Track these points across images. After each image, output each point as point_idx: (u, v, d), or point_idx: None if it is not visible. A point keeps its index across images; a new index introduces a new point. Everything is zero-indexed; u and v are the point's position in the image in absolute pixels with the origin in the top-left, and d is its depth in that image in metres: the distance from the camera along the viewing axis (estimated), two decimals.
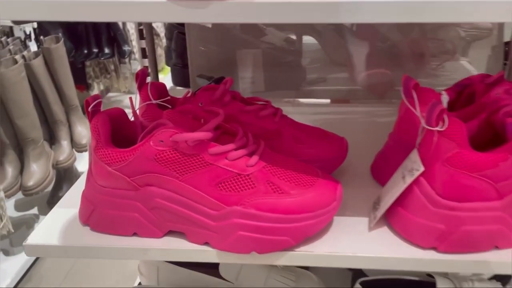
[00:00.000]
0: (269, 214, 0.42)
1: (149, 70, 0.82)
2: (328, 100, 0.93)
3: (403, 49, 0.82)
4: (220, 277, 0.68)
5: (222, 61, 0.84)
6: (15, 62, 1.55)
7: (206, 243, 0.46)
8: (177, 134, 0.42)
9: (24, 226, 1.64)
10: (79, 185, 0.54)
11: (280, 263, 0.45)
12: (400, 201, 0.45)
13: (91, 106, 0.45)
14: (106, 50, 2.19)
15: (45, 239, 0.47)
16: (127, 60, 2.26)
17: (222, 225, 0.43)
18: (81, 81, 2.38)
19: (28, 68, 1.64)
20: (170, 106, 0.54)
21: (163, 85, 0.57)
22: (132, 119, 0.49)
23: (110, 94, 2.80)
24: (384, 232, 0.47)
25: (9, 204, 1.69)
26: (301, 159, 0.52)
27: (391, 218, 0.47)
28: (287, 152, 0.52)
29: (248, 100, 0.56)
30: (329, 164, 0.53)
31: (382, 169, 0.54)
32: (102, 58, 2.24)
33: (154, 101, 0.53)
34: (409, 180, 0.44)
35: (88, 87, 2.40)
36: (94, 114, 0.46)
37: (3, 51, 1.56)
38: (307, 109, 0.81)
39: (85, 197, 0.48)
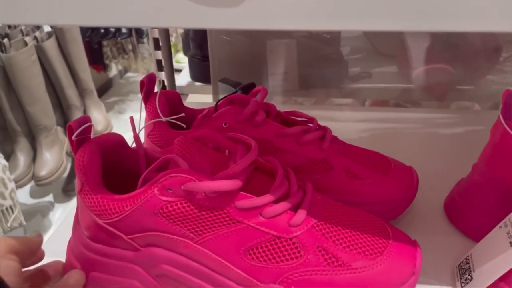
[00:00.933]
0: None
1: (163, 64, 0.69)
2: (371, 101, 0.79)
3: (473, 40, 0.66)
4: None
5: (249, 53, 0.70)
6: (26, 44, 1.45)
7: None
8: (191, 181, 0.30)
9: (39, 214, 1.60)
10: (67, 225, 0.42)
11: None
12: (505, 276, 0.32)
13: (75, 134, 0.32)
14: (124, 30, 2.09)
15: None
16: (145, 40, 2.16)
17: None
18: (98, 61, 2.31)
19: (40, 50, 1.55)
20: (184, 126, 0.41)
21: (176, 95, 0.44)
22: (134, 145, 0.37)
23: (128, 75, 2.73)
24: None
25: (24, 191, 1.63)
26: (356, 202, 0.39)
27: None
28: (337, 191, 0.39)
29: (286, 116, 0.43)
30: (394, 207, 0.40)
31: (465, 213, 0.41)
32: (120, 38, 2.15)
33: (163, 119, 0.41)
34: None
35: (105, 67, 2.32)
36: (80, 143, 0.33)
37: (15, 32, 1.46)
38: (349, 115, 0.67)
39: (71, 250, 0.36)
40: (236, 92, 0.45)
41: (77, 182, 0.34)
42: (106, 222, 0.32)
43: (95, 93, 1.85)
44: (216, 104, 0.43)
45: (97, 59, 2.27)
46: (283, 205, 0.31)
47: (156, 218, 0.31)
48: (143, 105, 0.42)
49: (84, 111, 1.82)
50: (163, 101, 0.42)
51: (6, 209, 1.24)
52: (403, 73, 0.73)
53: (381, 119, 0.65)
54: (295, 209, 0.32)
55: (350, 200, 0.39)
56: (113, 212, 0.32)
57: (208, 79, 0.72)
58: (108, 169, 0.34)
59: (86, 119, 0.33)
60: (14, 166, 1.52)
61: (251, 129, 0.40)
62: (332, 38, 0.73)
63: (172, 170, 0.30)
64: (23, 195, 1.63)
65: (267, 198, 0.31)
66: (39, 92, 1.53)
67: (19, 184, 1.49)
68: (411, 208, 0.45)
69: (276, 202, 0.31)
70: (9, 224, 1.24)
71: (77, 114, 1.75)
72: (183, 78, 0.82)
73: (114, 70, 2.58)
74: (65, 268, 0.36)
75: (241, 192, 0.31)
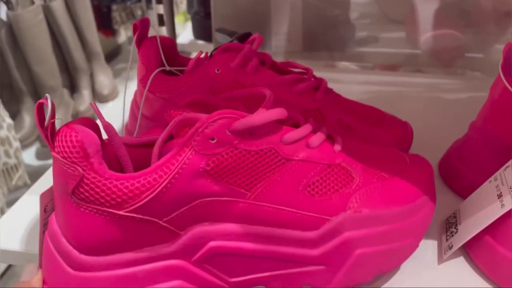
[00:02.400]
0: (386, 211, 0.30)
1: (165, 19, 0.68)
2: (377, 65, 0.77)
3: (484, 4, 0.64)
4: None
5: (252, 11, 0.68)
6: (33, 3, 1.45)
7: None
8: (238, 120, 0.26)
9: (44, 175, 1.60)
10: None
11: None
12: (491, 228, 0.31)
13: (48, 117, 0.24)
14: None
15: (4, 243, 0.36)
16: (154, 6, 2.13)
17: (331, 249, 0.29)
18: (107, 26, 2.28)
19: (48, 10, 1.54)
20: (179, 74, 0.41)
21: (171, 41, 0.43)
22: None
23: None
24: (462, 268, 0.33)
25: (29, 153, 1.64)
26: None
27: (473, 250, 0.33)
28: None
29: (282, 67, 0.42)
30: None
31: (459, 171, 0.40)
32: (129, 3, 2.12)
33: (167, 68, 0.40)
34: (510, 202, 0.30)
35: (114, 33, 2.30)
36: (52, 126, 0.26)
37: None
38: (352, 77, 0.66)
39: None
40: (232, 41, 0.44)
41: (68, 176, 0.25)
42: (130, 209, 0.26)
43: (102, 57, 1.84)
44: (211, 53, 0.43)
45: (106, 24, 2.24)
46: (321, 134, 0.30)
47: (202, 179, 0.26)
48: (135, 50, 0.42)
49: (91, 75, 1.81)
50: (157, 47, 0.41)
51: (11, 167, 1.25)
52: (412, 38, 0.71)
53: (385, 82, 0.64)
54: (330, 138, 0.32)
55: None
56: (140, 192, 0.25)
57: (210, 37, 0.71)
58: None
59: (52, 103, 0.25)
60: (20, 126, 1.53)
61: (244, 76, 0.39)
62: (339, 1, 0.71)
63: (216, 112, 0.26)
64: (29, 156, 1.64)
65: (307, 127, 0.30)
66: (46, 52, 1.53)
67: (24, 144, 1.50)
68: None
69: (315, 131, 0.31)
70: (13, 183, 1.25)
71: (83, 77, 1.75)
72: (185, 36, 0.81)
73: (123, 36, 2.55)
74: None
75: (284, 127, 0.29)
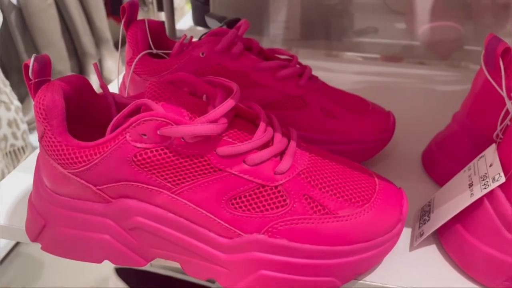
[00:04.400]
0: (307, 246, 0.29)
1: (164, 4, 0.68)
2: (375, 56, 0.77)
3: None
4: None
5: None
6: None
7: (211, 280, 0.33)
8: (169, 125, 0.28)
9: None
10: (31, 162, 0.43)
11: None
12: (461, 217, 0.32)
13: (31, 73, 0.29)
14: None
15: None
16: None
17: (237, 260, 0.30)
18: (118, 12, 2.28)
19: None
20: (166, 57, 0.41)
21: (160, 25, 0.44)
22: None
23: None
24: (432, 255, 0.33)
25: (36, 136, 1.66)
26: (330, 140, 0.39)
27: (445, 238, 0.33)
28: (312, 129, 0.39)
29: (267, 53, 0.43)
30: (367, 147, 0.40)
31: (439, 161, 0.40)
32: None
33: (149, 51, 0.40)
34: (479, 191, 0.30)
35: None
36: (39, 86, 0.30)
37: None
38: (348, 67, 0.66)
39: (33, 205, 0.34)
40: (222, 26, 0.44)
41: (37, 129, 0.31)
42: (72, 172, 0.30)
43: (111, 42, 1.85)
44: (200, 38, 0.43)
45: (116, 10, 2.25)
46: (268, 152, 0.29)
47: (129, 167, 0.29)
48: (123, 32, 0.42)
49: (99, 60, 1.83)
50: (145, 30, 0.42)
51: (18, 149, 1.27)
52: (411, 29, 0.70)
53: (379, 73, 0.64)
54: (280, 156, 0.30)
55: (324, 138, 0.39)
56: (80, 161, 0.29)
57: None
58: (73, 116, 0.31)
59: (45, 59, 0.30)
60: (28, 109, 1.55)
61: (228, 60, 0.40)
62: None
63: (147, 113, 0.28)
64: (36, 139, 1.65)
65: (251, 144, 0.29)
66: (55, 36, 1.55)
67: (32, 126, 1.52)
68: (389, 154, 0.44)
69: (260, 149, 0.30)
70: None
71: (92, 63, 1.76)
72: (184, 22, 0.81)
73: None
74: (29, 225, 0.34)
75: (223, 138, 0.29)
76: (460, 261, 0.32)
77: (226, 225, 0.29)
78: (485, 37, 0.39)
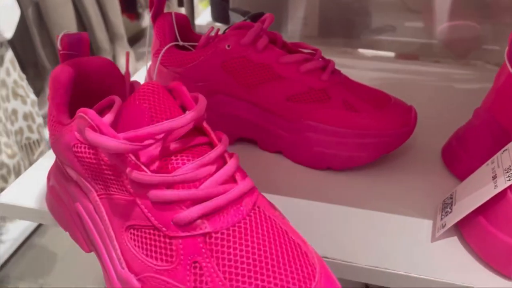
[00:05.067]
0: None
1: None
2: (392, 54, 0.77)
3: None
4: None
5: None
6: None
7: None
8: (91, 129, 0.26)
9: None
10: None
11: None
12: (484, 209, 0.32)
13: (59, 43, 0.31)
14: None
15: (21, 199, 0.38)
16: None
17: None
18: (132, 10, 2.31)
19: None
20: (192, 49, 0.42)
21: (185, 18, 0.45)
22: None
23: None
24: (454, 247, 0.34)
25: None
26: (351, 133, 0.39)
27: (466, 229, 0.34)
28: (333, 121, 0.40)
29: (291, 47, 0.43)
30: (389, 141, 0.40)
31: (460, 155, 0.41)
32: None
33: (175, 43, 0.41)
34: (503, 183, 0.31)
35: (138, 16, 2.33)
36: (68, 58, 0.31)
37: None
38: (365, 64, 0.66)
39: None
40: (245, 20, 0.45)
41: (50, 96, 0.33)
42: (50, 143, 0.33)
43: (125, 39, 1.87)
44: (224, 31, 0.44)
45: (130, 7, 2.26)
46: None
47: (70, 153, 0.29)
48: (151, 24, 0.43)
49: (113, 56, 1.85)
50: (172, 22, 0.43)
51: (33, 142, 1.28)
52: (429, 28, 0.71)
53: (397, 70, 0.64)
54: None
55: (346, 131, 0.40)
56: (53, 134, 0.32)
57: (228, 19, 0.72)
58: (93, 95, 0.33)
59: (81, 36, 0.32)
60: (43, 103, 1.57)
61: (253, 53, 0.40)
62: None
63: (84, 109, 0.27)
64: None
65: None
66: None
67: (47, 120, 1.54)
68: (409, 148, 0.45)
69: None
70: (35, 157, 1.29)
71: None
72: (203, 18, 0.82)
73: (146, 20, 2.58)
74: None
75: (138, 161, 0.26)
76: (482, 251, 0.32)
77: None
78: (503, 37, 0.40)
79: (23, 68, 1.48)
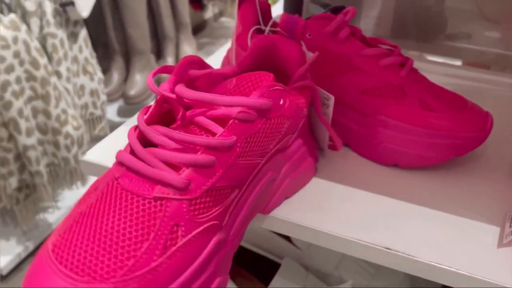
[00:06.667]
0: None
1: None
2: (461, 61, 0.75)
3: None
4: (290, 241, 0.60)
5: None
6: None
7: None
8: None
9: None
10: None
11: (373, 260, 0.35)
12: None
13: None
14: None
15: (104, 158, 0.41)
16: None
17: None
18: (197, 0, 2.37)
19: None
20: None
21: (267, 4, 0.46)
22: None
23: (222, 19, 2.77)
24: None
25: (112, 108, 1.76)
26: (424, 132, 0.39)
27: None
28: (407, 118, 0.40)
29: (370, 41, 0.44)
30: (462, 144, 0.40)
31: None
32: None
33: (260, 27, 0.43)
34: None
35: (202, 7, 2.38)
36: None
37: None
38: (436, 68, 0.65)
39: None
40: (326, 11, 0.46)
41: None
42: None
43: (190, 28, 1.92)
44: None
45: None
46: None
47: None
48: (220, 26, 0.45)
49: (177, 44, 1.90)
50: (255, 8, 0.44)
51: (96, 118, 1.34)
52: (505, 39, 0.68)
53: (471, 78, 0.63)
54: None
55: (419, 130, 0.39)
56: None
57: (301, 12, 0.73)
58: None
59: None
60: (108, 82, 1.65)
61: (333, 44, 0.41)
62: None
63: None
64: (112, 111, 1.75)
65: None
66: (141, 16, 1.63)
67: (110, 99, 1.61)
68: (480, 156, 0.44)
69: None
70: (96, 132, 1.35)
71: (170, 45, 1.84)
72: (275, 10, 0.83)
73: (210, 12, 2.63)
74: None
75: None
76: None
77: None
78: None
79: (94, 47, 1.56)
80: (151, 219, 0.25)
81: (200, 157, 0.26)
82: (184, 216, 0.25)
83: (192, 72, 0.32)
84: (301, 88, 0.35)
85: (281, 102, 0.31)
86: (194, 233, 0.25)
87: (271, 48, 0.35)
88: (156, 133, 0.27)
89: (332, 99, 0.39)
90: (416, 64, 0.44)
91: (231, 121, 0.28)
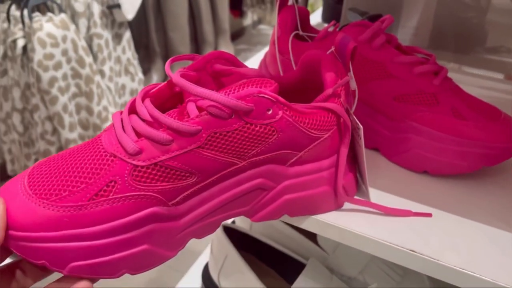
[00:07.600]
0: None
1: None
2: (501, 75, 0.74)
3: None
4: (317, 243, 0.61)
5: (385, 2, 0.70)
6: None
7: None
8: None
9: None
10: None
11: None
12: None
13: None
14: None
15: None
16: None
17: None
18: (237, 7, 2.41)
19: None
20: (309, 40, 0.45)
21: (306, 12, 0.48)
22: None
23: (261, 26, 2.80)
24: None
25: None
26: (455, 141, 0.40)
27: None
28: (439, 126, 0.40)
29: (405, 49, 0.44)
30: (493, 153, 0.40)
31: None
32: None
33: (297, 32, 0.44)
34: None
35: (242, 14, 2.42)
36: None
37: None
38: (472, 80, 0.65)
39: None
40: (363, 19, 0.47)
41: None
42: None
43: (229, 34, 1.96)
44: (341, 27, 0.46)
45: (236, 5, 2.37)
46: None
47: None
48: (258, 32, 0.47)
49: (215, 49, 1.95)
50: (295, 14, 0.46)
51: None
52: None
53: (506, 91, 0.62)
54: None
55: (450, 137, 0.40)
56: None
57: (338, 21, 0.74)
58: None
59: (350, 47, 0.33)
60: (148, 83, 1.70)
61: (369, 51, 0.42)
62: (478, 4, 0.70)
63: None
64: None
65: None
66: (182, 20, 1.68)
67: None
68: (509, 168, 0.44)
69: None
70: None
71: (208, 50, 1.88)
72: (314, 19, 0.85)
73: (249, 19, 2.67)
74: None
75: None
76: None
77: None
78: None
79: (136, 48, 1.62)
80: (99, 168, 0.29)
81: (157, 132, 0.29)
82: (123, 177, 0.28)
83: (217, 66, 0.34)
84: (321, 109, 0.32)
85: (270, 112, 0.30)
86: (127, 194, 0.28)
87: (316, 65, 0.35)
88: (140, 104, 0.31)
89: (361, 130, 0.35)
90: (454, 76, 0.44)
91: (203, 112, 0.29)
